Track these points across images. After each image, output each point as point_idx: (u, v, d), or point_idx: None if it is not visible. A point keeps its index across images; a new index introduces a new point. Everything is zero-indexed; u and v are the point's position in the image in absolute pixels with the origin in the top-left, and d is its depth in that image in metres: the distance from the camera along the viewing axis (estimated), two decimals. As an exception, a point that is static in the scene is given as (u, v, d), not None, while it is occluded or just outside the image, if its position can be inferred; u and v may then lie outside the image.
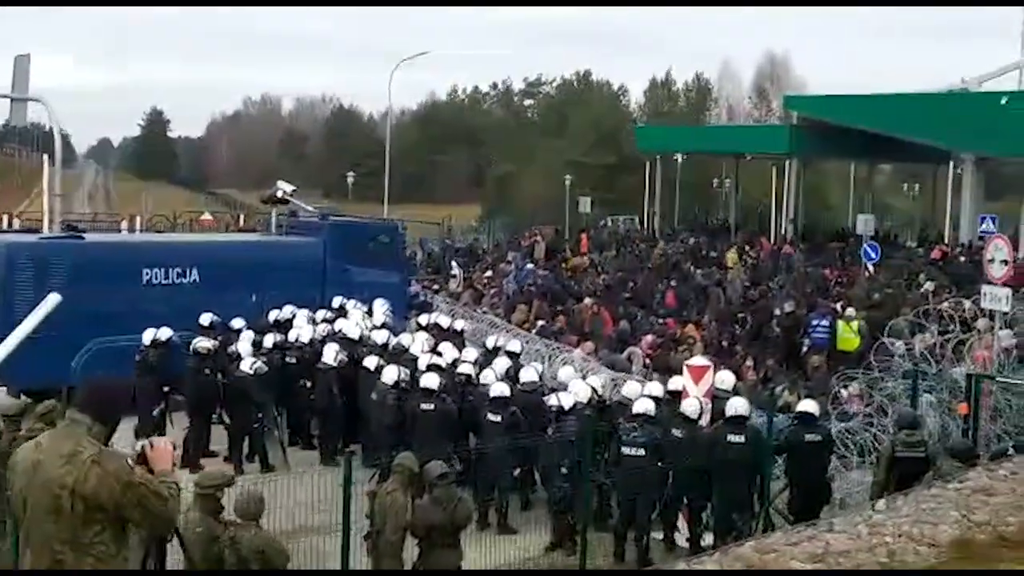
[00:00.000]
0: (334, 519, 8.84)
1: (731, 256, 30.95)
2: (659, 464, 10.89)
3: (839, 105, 36.03)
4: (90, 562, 4.30)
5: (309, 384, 14.51)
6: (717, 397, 11.72)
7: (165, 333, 14.73)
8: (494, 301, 25.70)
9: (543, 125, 79.70)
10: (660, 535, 11.26)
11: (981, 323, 15.72)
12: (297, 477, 10.58)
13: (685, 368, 12.29)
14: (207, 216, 40.60)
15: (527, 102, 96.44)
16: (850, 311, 19.49)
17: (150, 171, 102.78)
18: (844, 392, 13.83)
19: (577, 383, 12.43)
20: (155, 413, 14.19)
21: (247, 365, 13.89)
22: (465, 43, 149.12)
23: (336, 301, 17.30)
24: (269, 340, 15.08)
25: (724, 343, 20.19)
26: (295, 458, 13.94)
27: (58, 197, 21.50)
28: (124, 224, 33.44)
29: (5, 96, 22.41)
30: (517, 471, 11.91)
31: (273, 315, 16.31)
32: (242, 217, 40.97)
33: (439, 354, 13.98)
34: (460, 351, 14.40)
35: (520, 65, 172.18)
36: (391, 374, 12.97)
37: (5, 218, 33.58)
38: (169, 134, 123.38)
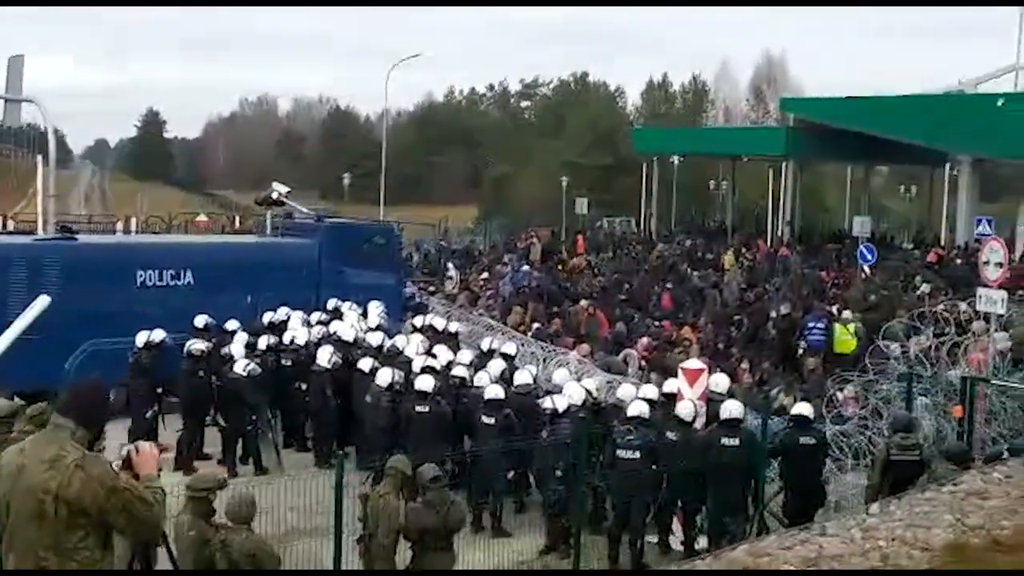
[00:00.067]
0: (328, 522, 8.81)
1: (728, 258, 30.96)
2: (654, 467, 10.86)
3: (835, 107, 36.08)
4: (74, 567, 4.26)
5: (304, 386, 14.49)
6: (712, 400, 11.70)
7: (158, 335, 14.68)
8: (490, 303, 25.67)
9: (540, 126, 79.77)
10: (655, 538, 11.24)
11: (976, 326, 15.71)
12: (291, 480, 10.54)
13: (680, 371, 12.27)
14: (203, 217, 40.56)
15: (524, 103, 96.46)
16: (847, 313, 19.49)
17: (146, 172, 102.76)
18: (839, 395, 13.81)
19: (571, 385, 12.40)
20: (148, 415, 14.17)
21: (241, 367, 13.85)
22: (464, 44, 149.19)
23: (331, 303, 17.26)
24: (263, 342, 15.05)
25: (720, 345, 20.17)
26: (289, 460, 13.90)
27: (52, 198, 21.41)
28: (119, 225, 33.37)
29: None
30: (511, 474, 11.90)
31: (268, 317, 16.27)
32: (238, 219, 40.89)
33: (433, 356, 13.95)
34: (455, 353, 14.38)
35: (517, 65, 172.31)
36: (385, 376, 12.94)
37: (0, 219, 33.50)
38: (165, 135, 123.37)
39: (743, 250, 33.03)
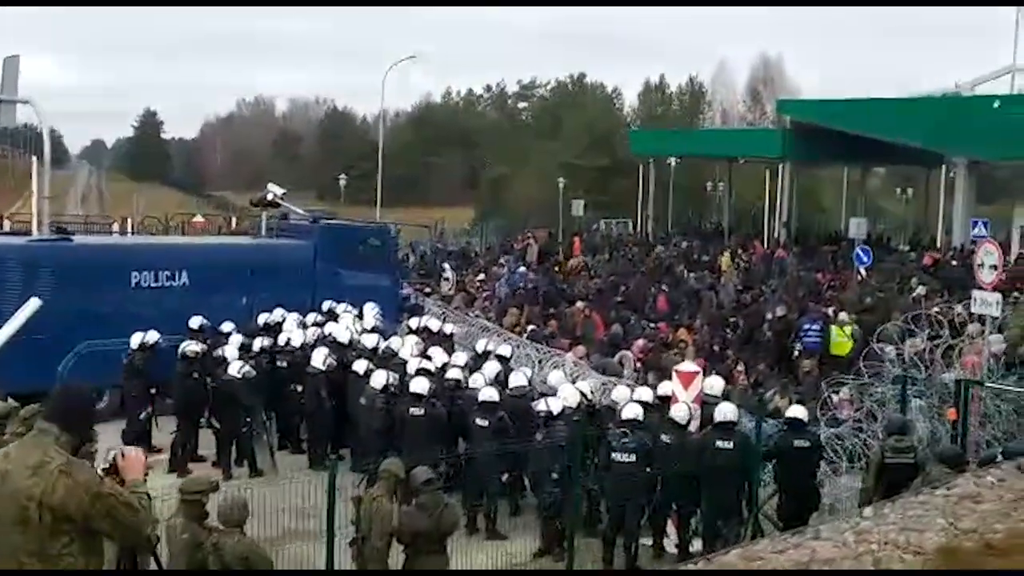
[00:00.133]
0: (322, 524, 8.79)
1: (724, 260, 30.96)
2: (648, 470, 10.85)
3: (831, 109, 36.13)
4: None
5: (299, 388, 14.46)
6: (706, 403, 11.69)
7: (152, 337, 14.67)
8: (486, 304, 25.65)
9: (537, 128, 79.80)
10: (649, 541, 11.21)
11: (971, 328, 15.70)
12: (284, 482, 10.52)
13: (674, 373, 12.25)
14: (199, 218, 40.48)
15: (521, 104, 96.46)
16: (843, 315, 19.48)
17: (143, 172, 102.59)
18: (834, 397, 13.80)
19: (566, 387, 12.38)
20: (142, 417, 14.15)
21: (235, 369, 13.83)
22: (461, 45, 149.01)
23: (326, 305, 17.24)
24: (258, 344, 15.03)
25: (716, 347, 20.15)
26: (284, 462, 13.87)
27: (47, 199, 21.36)
28: (115, 226, 33.29)
29: (-6, 97, 22.28)
30: (506, 476, 11.86)
31: (263, 319, 16.26)
32: (235, 220, 40.82)
33: (428, 358, 13.93)
34: (450, 355, 14.36)
35: (515, 66, 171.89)
36: (380, 378, 12.92)
37: (-4, 220, 33.40)
38: (162, 135, 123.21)
39: (739, 252, 33.04)
